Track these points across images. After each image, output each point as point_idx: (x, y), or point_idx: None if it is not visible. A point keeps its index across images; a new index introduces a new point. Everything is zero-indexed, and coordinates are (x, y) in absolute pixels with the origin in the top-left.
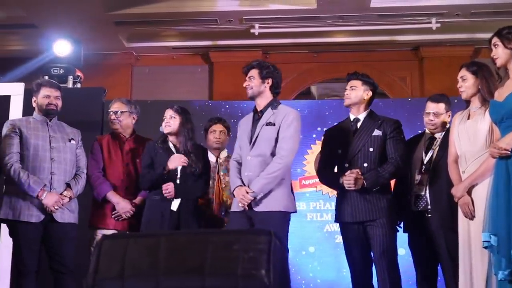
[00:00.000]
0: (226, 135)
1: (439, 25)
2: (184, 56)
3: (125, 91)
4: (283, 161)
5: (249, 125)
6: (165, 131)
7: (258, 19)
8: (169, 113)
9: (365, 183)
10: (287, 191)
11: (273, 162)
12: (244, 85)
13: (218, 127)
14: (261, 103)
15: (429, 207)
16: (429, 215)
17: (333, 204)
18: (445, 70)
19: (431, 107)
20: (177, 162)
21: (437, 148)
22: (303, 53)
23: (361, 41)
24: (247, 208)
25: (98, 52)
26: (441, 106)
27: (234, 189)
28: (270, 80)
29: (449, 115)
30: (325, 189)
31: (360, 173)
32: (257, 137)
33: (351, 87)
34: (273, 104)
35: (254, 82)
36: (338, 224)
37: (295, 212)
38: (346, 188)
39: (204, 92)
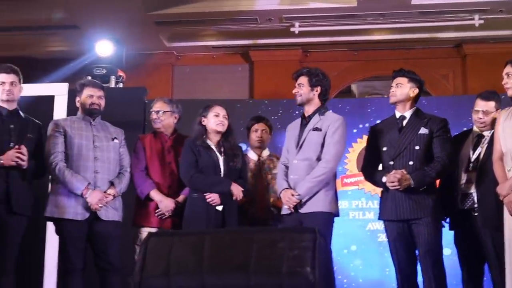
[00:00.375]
0: (268, 134)
1: (482, 21)
2: (224, 55)
3: (166, 90)
4: (329, 166)
5: (297, 130)
6: (218, 129)
7: (298, 17)
8: (222, 112)
9: (412, 183)
10: (332, 194)
11: (319, 166)
12: (294, 91)
13: (260, 126)
14: (309, 109)
15: (476, 205)
16: (476, 214)
17: (376, 202)
18: (489, 67)
19: (481, 105)
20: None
21: (485, 146)
22: (343, 51)
23: (401, 38)
24: (293, 210)
25: (139, 52)
26: (491, 104)
27: (281, 192)
28: (319, 88)
29: (499, 112)
30: (367, 187)
31: (405, 172)
32: (303, 141)
33: (396, 84)
34: (320, 111)
35: (303, 89)
36: (380, 223)
37: (338, 216)
38: (390, 188)
39: (244, 91)
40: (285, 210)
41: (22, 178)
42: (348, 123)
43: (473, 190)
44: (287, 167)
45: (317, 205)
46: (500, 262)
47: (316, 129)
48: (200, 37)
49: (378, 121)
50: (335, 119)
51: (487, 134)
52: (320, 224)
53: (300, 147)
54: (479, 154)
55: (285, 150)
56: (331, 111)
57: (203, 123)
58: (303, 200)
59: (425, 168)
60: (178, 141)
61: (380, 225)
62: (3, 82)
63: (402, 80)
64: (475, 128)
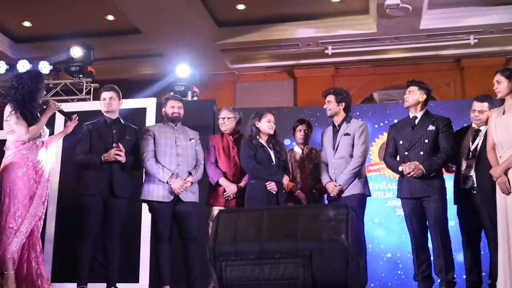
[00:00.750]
0: (309, 132)
1: (476, 40)
2: (274, 73)
3: (230, 102)
4: (359, 160)
5: (331, 136)
6: (270, 132)
7: (330, 42)
8: (272, 119)
9: (424, 170)
10: (363, 180)
11: (352, 162)
12: (324, 106)
13: (303, 127)
14: (337, 119)
15: (475, 185)
16: (475, 192)
17: (394, 184)
18: (482, 77)
19: (477, 105)
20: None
21: (482, 138)
22: (366, 67)
23: (412, 56)
24: (336, 196)
25: (209, 73)
26: (485, 105)
27: (326, 184)
28: (343, 103)
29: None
30: (387, 173)
31: (417, 163)
32: (338, 144)
33: (409, 91)
34: (347, 119)
35: (331, 105)
36: (398, 200)
37: (370, 195)
38: (406, 174)
39: (290, 100)
40: (331, 197)
41: (121, 169)
42: (371, 122)
43: (472, 174)
44: (326, 165)
45: (353, 189)
46: (495, 229)
47: (346, 134)
48: (255, 60)
49: (395, 121)
50: (359, 125)
51: (483, 129)
52: (356, 203)
53: (336, 149)
54: (477, 145)
55: (324, 152)
56: (354, 119)
57: (257, 126)
58: (344, 188)
59: (433, 158)
60: (240, 140)
61: (398, 202)
62: (104, 98)
63: (413, 88)
64: (473, 125)
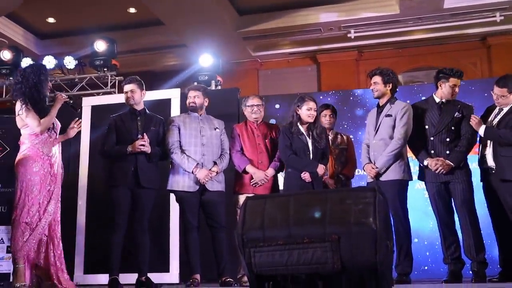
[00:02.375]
0: (334, 117)
1: (502, 17)
2: (297, 59)
3: (253, 89)
4: (399, 143)
5: (374, 117)
6: (310, 121)
7: (353, 25)
8: (314, 106)
9: (453, 164)
10: (404, 164)
11: (392, 144)
12: (371, 88)
13: (327, 112)
14: (383, 100)
15: (491, 165)
16: (493, 172)
17: None
18: (510, 55)
19: (496, 90)
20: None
21: (500, 117)
22: (390, 50)
23: (437, 36)
24: (374, 179)
25: (232, 61)
26: (504, 90)
27: (364, 165)
28: (391, 84)
29: None
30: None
31: (443, 160)
32: (379, 126)
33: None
34: (391, 101)
35: (378, 86)
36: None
37: (411, 180)
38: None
39: (314, 85)
40: (369, 179)
41: (147, 160)
42: None
43: (487, 152)
44: (368, 146)
45: (392, 174)
46: None
47: (388, 115)
48: (278, 47)
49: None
50: (402, 106)
51: (505, 109)
52: (395, 189)
53: (377, 130)
54: (494, 124)
55: (367, 133)
56: (399, 100)
57: (298, 112)
58: (381, 171)
59: (457, 149)
60: (264, 127)
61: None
62: (126, 92)
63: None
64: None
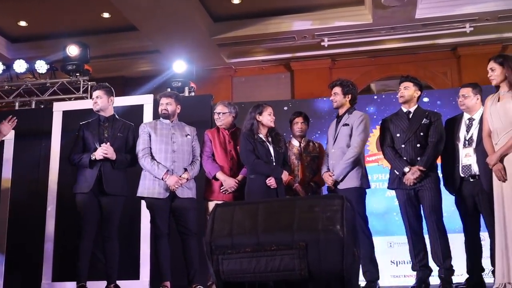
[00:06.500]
0: (306, 125)
1: (472, 28)
2: (271, 67)
3: (227, 96)
4: (355, 151)
5: (334, 127)
6: (271, 125)
7: (326, 34)
8: (272, 112)
9: (424, 169)
10: (361, 172)
11: (348, 151)
12: (331, 98)
13: (299, 119)
14: (342, 110)
15: (473, 173)
16: (472, 180)
17: None
18: (479, 65)
19: (461, 91)
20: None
21: (478, 126)
22: (363, 58)
23: (409, 45)
24: (333, 187)
25: (206, 68)
26: (468, 90)
27: (323, 174)
28: (350, 95)
29: (478, 98)
30: (385, 163)
31: (420, 168)
32: (337, 135)
33: (404, 87)
34: (349, 111)
35: (338, 97)
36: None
37: (369, 187)
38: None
39: (287, 93)
40: (330, 189)
41: (112, 167)
42: (369, 113)
43: (471, 162)
44: (328, 156)
45: (351, 182)
46: (492, 213)
47: (345, 124)
48: (252, 54)
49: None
50: (359, 115)
51: (476, 117)
52: (354, 197)
53: (335, 139)
54: (472, 134)
55: (327, 143)
56: (357, 110)
57: (258, 119)
58: (339, 179)
59: (426, 154)
60: (236, 134)
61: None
62: (93, 98)
63: (409, 84)
64: (465, 113)
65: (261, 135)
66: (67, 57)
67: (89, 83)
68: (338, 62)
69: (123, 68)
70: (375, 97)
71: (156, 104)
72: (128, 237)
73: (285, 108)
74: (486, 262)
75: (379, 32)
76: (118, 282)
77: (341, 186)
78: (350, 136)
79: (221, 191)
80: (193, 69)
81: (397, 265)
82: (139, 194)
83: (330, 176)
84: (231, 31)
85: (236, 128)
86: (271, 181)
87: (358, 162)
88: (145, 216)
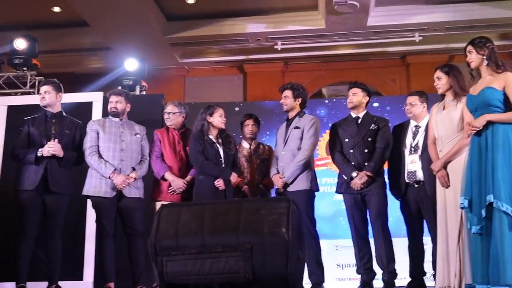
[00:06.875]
0: (257, 127)
1: (421, 38)
2: (224, 68)
3: (179, 96)
4: (306, 153)
5: (283, 130)
6: (222, 127)
7: (280, 38)
8: (223, 113)
9: (371, 175)
10: (311, 175)
11: (299, 154)
12: (281, 101)
13: (250, 122)
14: (292, 114)
15: (417, 179)
16: (417, 186)
17: None
18: (426, 73)
19: (408, 99)
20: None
21: (424, 134)
22: (315, 63)
23: (360, 52)
24: (283, 189)
25: (158, 67)
26: (415, 98)
27: (272, 176)
28: (300, 99)
29: (424, 106)
30: (334, 167)
31: (367, 174)
32: (288, 137)
33: (353, 93)
34: (300, 114)
35: (288, 100)
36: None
37: (318, 190)
38: (357, 187)
39: (239, 95)
40: (279, 191)
41: (59, 164)
42: (319, 117)
43: (416, 168)
44: (277, 158)
45: (300, 184)
46: (435, 219)
47: (296, 127)
48: (205, 55)
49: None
50: (310, 119)
51: (422, 124)
52: (303, 199)
53: (286, 142)
54: (418, 141)
55: (276, 145)
56: (307, 113)
57: (209, 120)
58: (289, 181)
59: (373, 159)
60: (186, 135)
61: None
62: (40, 93)
63: (357, 90)
64: (411, 120)
65: (211, 136)
66: (14, 50)
67: (37, 78)
68: (291, 65)
69: (73, 64)
70: (326, 101)
71: (105, 102)
72: (72, 236)
73: (236, 108)
74: (428, 266)
75: (331, 37)
76: (60, 283)
77: (291, 188)
78: (301, 139)
79: (169, 191)
80: (145, 68)
81: (342, 268)
82: (84, 192)
83: (280, 178)
84: (184, 31)
85: (186, 129)
86: (219, 183)
87: (308, 165)
88: (91, 215)
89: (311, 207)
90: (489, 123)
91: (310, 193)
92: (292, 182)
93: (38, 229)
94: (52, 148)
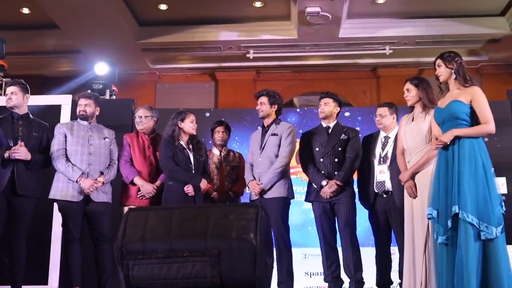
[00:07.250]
0: (227, 134)
1: (391, 51)
2: (196, 75)
3: (150, 102)
4: (284, 161)
5: (259, 136)
6: (194, 133)
7: (252, 46)
8: (195, 119)
9: (341, 183)
10: (287, 182)
11: (277, 161)
12: (257, 108)
13: (221, 128)
14: (268, 121)
15: (386, 189)
16: (385, 196)
17: None
18: (396, 86)
19: (378, 110)
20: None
21: (393, 145)
22: (287, 73)
23: (331, 63)
24: (259, 196)
25: (129, 72)
26: (385, 109)
27: (248, 183)
28: (276, 106)
29: (394, 118)
30: (304, 176)
31: (337, 183)
32: (265, 144)
33: (324, 103)
34: (276, 121)
35: (264, 107)
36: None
37: (293, 198)
38: (326, 195)
39: (211, 102)
40: (253, 196)
41: (25, 168)
42: None
43: (385, 178)
44: (252, 165)
45: (277, 192)
46: (402, 229)
47: (274, 134)
48: (177, 61)
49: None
50: (287, 126)
51: (391, 135)
52: (279, 206)
53: (263, 148)
54: (387, 152)
55: (250, 152)
56: (283, 121)
57: (180, 126)
58: (266, 188)
59: (343, 169)
60: (156, 140)
61: None
62: (7, 94)
63: (329, 100)
64: (381, 131)
65: (182, 142)
66: None
67: (4, 79)
68: (263, 74)
69: (41, 66)
70: (298, 110)
71: (74, 105)
72: (37, 240)
73: (207, 114)
74: (394, 275)
75: (303, 48)
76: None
77: (267, 195)
78: (279, 146)
79: (138, 196)
80: (116, 72)
81: (310, 276)
82: (51, 196)
83: (258, 184)
84: (157, 37)
85: (156, 134)
86: (189, 189)
87: (286, 173)
88: (57, 219)
89: (286, 214)
90: (456, 137)
91: (286, 201)
92: (269, 189)
93: (1, 232)
94: (17, 154)
